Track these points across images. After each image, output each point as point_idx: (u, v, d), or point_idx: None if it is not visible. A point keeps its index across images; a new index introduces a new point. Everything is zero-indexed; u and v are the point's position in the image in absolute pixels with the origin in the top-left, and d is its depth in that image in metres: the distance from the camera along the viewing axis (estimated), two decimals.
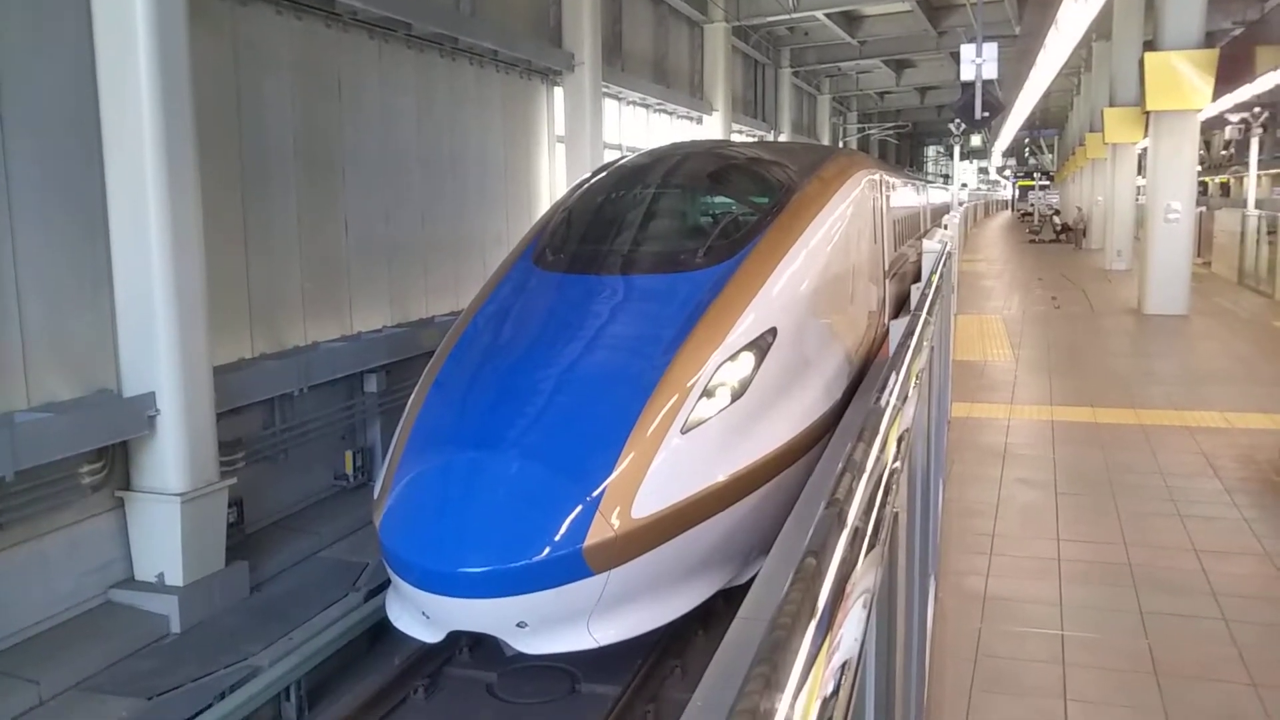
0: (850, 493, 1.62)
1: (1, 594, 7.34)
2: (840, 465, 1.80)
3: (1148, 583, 4.56)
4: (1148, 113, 14.33)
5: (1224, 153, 36.45)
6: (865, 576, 1.37)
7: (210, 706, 6.54)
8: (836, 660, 1.09)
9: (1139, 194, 22.70)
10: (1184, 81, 13.35)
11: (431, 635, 5.65)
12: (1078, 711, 3.48)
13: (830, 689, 1.03)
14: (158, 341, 8.06)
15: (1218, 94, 13.91)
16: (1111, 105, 21.11)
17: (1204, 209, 22.55)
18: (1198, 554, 4.92)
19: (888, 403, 2.34)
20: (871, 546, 1.48)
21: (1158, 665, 3.77)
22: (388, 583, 6.18)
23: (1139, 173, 23.18)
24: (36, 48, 7.63)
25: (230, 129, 9.92)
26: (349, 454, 11.41)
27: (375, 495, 5.98)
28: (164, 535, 8.14)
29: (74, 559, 7.92)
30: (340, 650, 7.32)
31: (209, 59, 9.29)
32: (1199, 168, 19.24)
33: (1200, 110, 14.05)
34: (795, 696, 0.95)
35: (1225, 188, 38.72)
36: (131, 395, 8.09)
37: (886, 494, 1.75)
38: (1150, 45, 14.40)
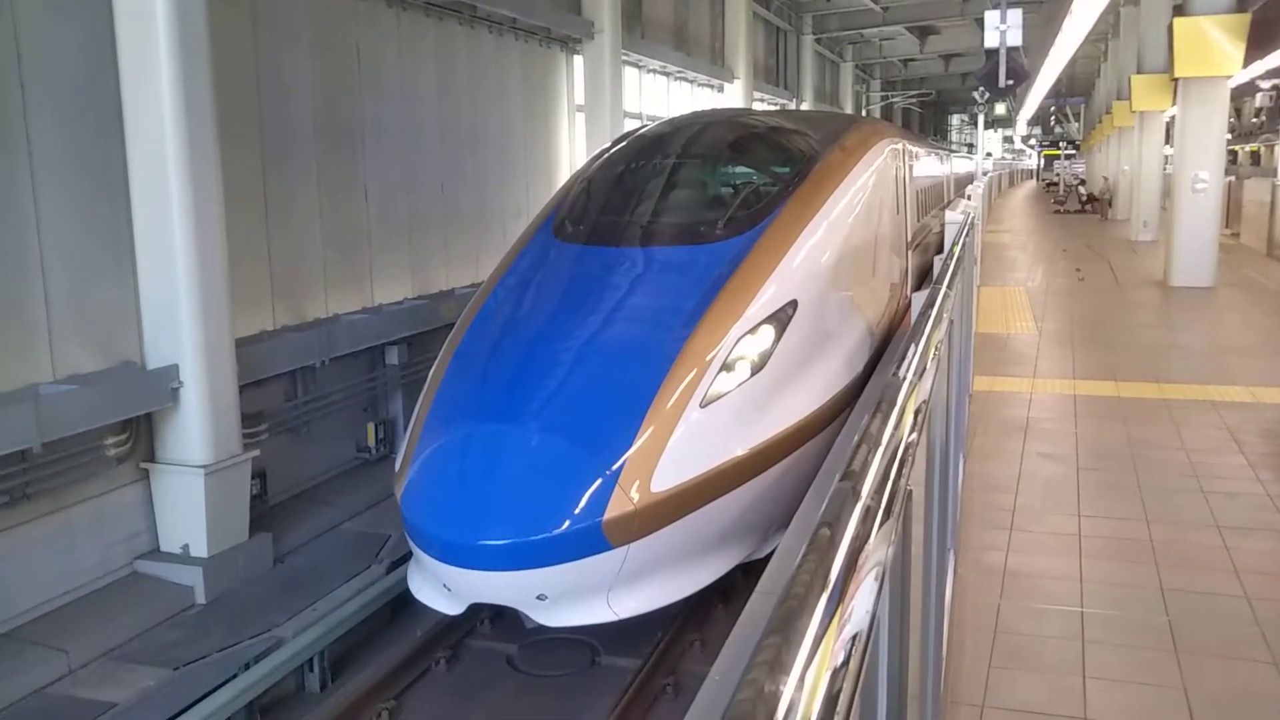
0: (865, 465, 1.61)
1: (30, 564, 7.45)
2: (856, 438, 1.79)
3: (1169, 559, 4.53)
4: (1176, 80, 14.11)
5: (1255, 120, 35.89)
6: (878, 549, 1.36)
7: (235, 676, 6.62)
8: (847, 632, 1.09)
9: (1166, 163, 22.41)
10: (1214, 47, 13.12)
11: (452, 607, 5.69)
12: (1097, 689, 3.46)
13: (840, 660, 1.03)
14: (180, 314, 8.11)
15: (1249, 60, 13.69)
16: (1139, 72, 20.79)
17: (1233, 178, 22.25)
18: (1220, 530, 4.88)
19: (905, 375, 2.32)
20: (886, 519, 1.47)
21: (1178, 643, 3.75)
22: (409, 555, 6.23)
23: (1167, 142, 22.87)
24: (56, 19, 7.64)
25: (249, 100, 9.92)
26: (371, 426, 11.47)
27: (396, 468, 6.01)
28: (188, 507, 8.22)
29: (100, 530, 8.02)
30: (363, 622, 7.39)
31: (227, 29, 9.27)
32: (1228, 136, 18.95)
33: (1231, 77, 13.82)
34: (805, 667, 0.95)
35: (1255, 156, 38.14)
36: (155, 367, 8.15)
37: (902, 467, 1.74)
38: (1179, 10, 14.15)
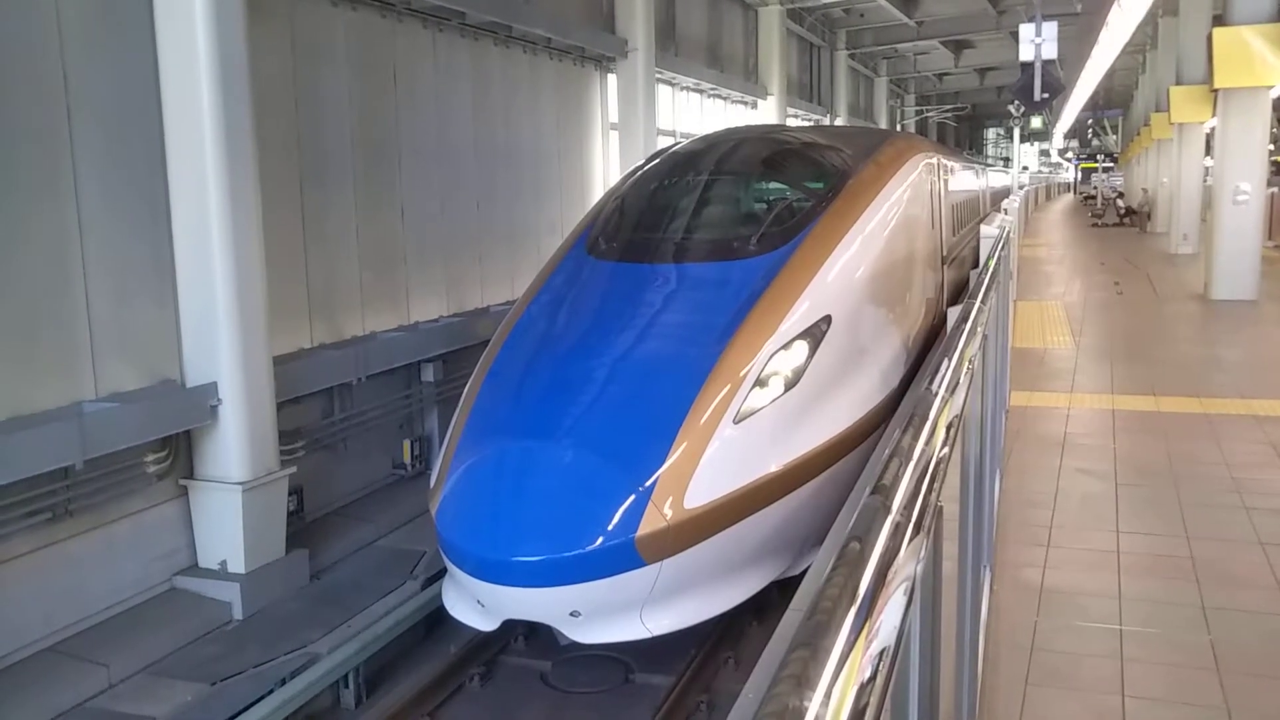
0: (897, 480, 1.61)
1: (73, 579, 7.55)
2: (888, 452, 1.78)
3: (1210, 577, 4.45)
4: (1216, 91, 13.95)
5: None
6: (907, 564, 1.36)
7: (271, 692, 6.66)
8: (875, 647, 1.09)
9: (1206, 175, 22.14)
10: (1255, 57, 12.95)
11: (486, 624, 5.71)
12: (1136, 708, 3.41)
13: (868, 675, 1.03)
14: (219, 332, 8.21)
15: None
16: (1178, 83, 20.56)
17: (1275, 190, 21.91)
18: (1264, 547, 4.79)
19: (937, 389, 2.31)
20: (916, 534, 1.46)
21: (1220, 662, 3.68)
22: (444, 571, 6.25)
23: (1207, 153, 22.60)
24: (101, 41, 7.78)
25: (288, 120, 10.05)
26: (407, 443, 11.54)
27: (431, 484, 6.05)
28: (226, 523, 8.30)
29: (140, 546, 8.11)
30: (398, 638, 7.41)
31: (267, 51, 9.41)
32: (1271, 147, 18.70)
33: (1272, 87, 13.65)
34: (833, 681, 0.95)
35: None
36: (194, 385, 8.25)
37: (934, 481, 1.73)
38: (1219, 20, 14.01)
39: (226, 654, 7.55)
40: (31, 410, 7.22)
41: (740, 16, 25.33)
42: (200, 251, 8.14)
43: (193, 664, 7.42)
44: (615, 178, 16.41)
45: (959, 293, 9.68)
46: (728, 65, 24.14)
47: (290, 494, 9.01)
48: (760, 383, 5.77)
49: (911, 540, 1.43)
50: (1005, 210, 13.07)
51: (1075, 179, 67.40)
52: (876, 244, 7.14)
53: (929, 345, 7.96)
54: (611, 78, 17.87)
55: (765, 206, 7.81)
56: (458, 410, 6.35)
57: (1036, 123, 49.62)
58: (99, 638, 7.50)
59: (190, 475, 8.45)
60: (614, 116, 17.97)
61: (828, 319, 6.21)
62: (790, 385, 5.84)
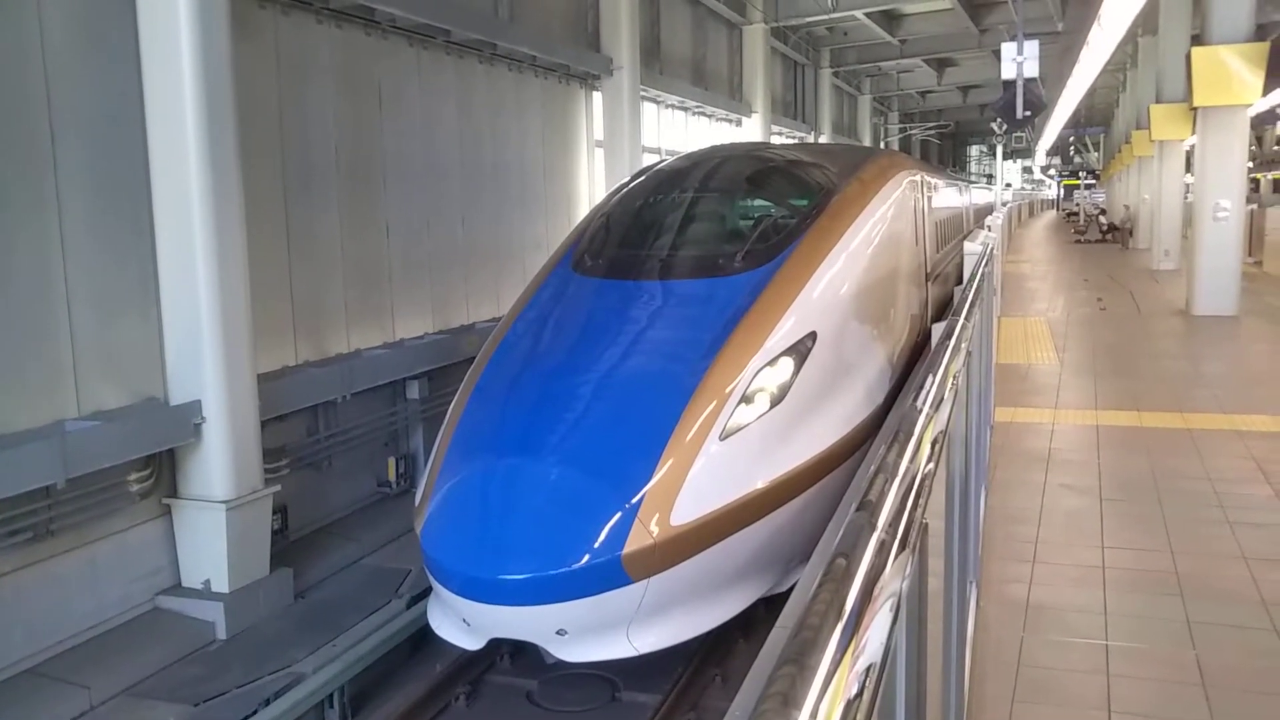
0: (882, 496, 1.61)
1: (53, 600, 7.48)
2: (873, 468, 1.78)
3: (1195, 592, 4.47)
4: (1195, 109, 14.08)
5: (1276, 148, 35.76)
6: (893, 581, 1.36)
7: (255, 713, 6.61)
8: (861, 664, 1.09)
9: (1187, 192, 22.32)
10: (1233, 76, 13.10)
11: (472, 642, 5.67)
12: None
13: (854, 691, 1.03)
14: (203, 350, 8.18)
15: (1268, 88, 13.66)
16: (1158, 102, 20.77)
17: (1255, 206, 22.11)
18: (1247, 562, 4.81)
19: (922, 405, 2.31)
20: (901, 550, 1.47)
21: (1205, 677, 3.69)
22: (429, 590, 6.22)
23: (1187, 170, 22.79)
24: (85, 59, 7.77)
25: (272, 137, 10.04)
26: (391, 461, 11.50)
27: (416, 502, 6.02)
28: (210, 542, 8.25)
29: (123, 565, 8.05)
30: (383, 657, 7.37)
31: (251, 68, 9.41)
32: (1250, 164, 18.88)
33: (1250, 105, 13.79)
34: (819, 698, 0.95)
35: (1278, 184, 37.91)
36: (178, 404, 8.21)
37: (919, 497, 1.73)
38: (1197, 39, 14.15)
39: (210, 674, 7.49)
40: (13, 429, 7.17)
41: (725, 35, 25.47)
42: (184, 269, 8.12)
43: (175, 685, 7.36)
44: (600, 195, 16.45)
45: (943, 309, 9.72)
46: (712, 83, 24.25)
47: (274, 512, 8.96)
48: (746, 399, 5.77)
49: (897, 557, 1.43)
50: (989, 227, 13.15)
51: (1058, 196, 67.89)
52: (861, 260, 7.16)
53: (914, 361, 7.98)
54: (597, 95, 17.93)
55: (750, 223, 7.82)
56: (443, 428, 6.33)
57: (1019, 140, 49.99)
58: (80, 658, 7.43)
59: (174, 494, 8.40)
60: (599, 134, 18.02)
61: (813, 335, 6.22)
62: (776, 401, 5.84)
